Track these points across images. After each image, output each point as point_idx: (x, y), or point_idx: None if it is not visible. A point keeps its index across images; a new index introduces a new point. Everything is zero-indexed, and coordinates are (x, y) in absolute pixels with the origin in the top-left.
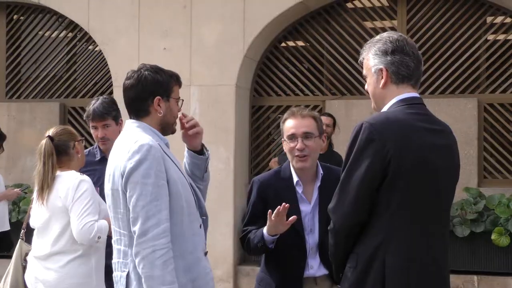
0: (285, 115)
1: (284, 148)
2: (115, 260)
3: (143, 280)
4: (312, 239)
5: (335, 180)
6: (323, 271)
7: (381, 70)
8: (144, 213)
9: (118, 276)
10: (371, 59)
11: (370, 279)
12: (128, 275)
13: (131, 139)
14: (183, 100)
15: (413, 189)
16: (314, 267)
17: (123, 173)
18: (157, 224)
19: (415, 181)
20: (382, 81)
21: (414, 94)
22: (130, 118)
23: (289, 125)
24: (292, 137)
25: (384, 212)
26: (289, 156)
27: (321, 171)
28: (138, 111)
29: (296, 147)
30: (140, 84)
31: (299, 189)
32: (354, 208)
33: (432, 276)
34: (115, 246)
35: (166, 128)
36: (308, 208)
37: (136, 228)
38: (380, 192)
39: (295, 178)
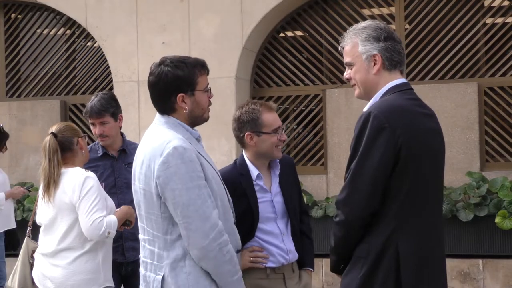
0: (257, 107)
1: (257, 141)
2: (145, 259)
3: (212, 275)
4: (282, 224)
5: (287, 166)
6: (297, 255)
7: (374, 56)
8: (199, 216)
9: (151, 277)
10: (360, 45)
11: (383, 267)
12: (163, 279)
13: (163, 138)
14: (210, 88)
15: (421, 174)
16: (292, 250)
17: (158, 177)
18: (215, 224)
19: (422, 167)
20: (376, 67)
21: (404, 80)
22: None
23: (274, 118)
24: (278, 130)
25: (395, 200)
26: (269, 148)
27: (276, 160)
28: (163, 109)
29: (282, 138)
30: (161, 81)
31: (260, 182)
32: (370, 198)
33: (439, 261)
34: (145, 245)
35: (195, 121)
36: (269, 196)
37: (192, 232)
38: (391, 180)
39: (255, 172)
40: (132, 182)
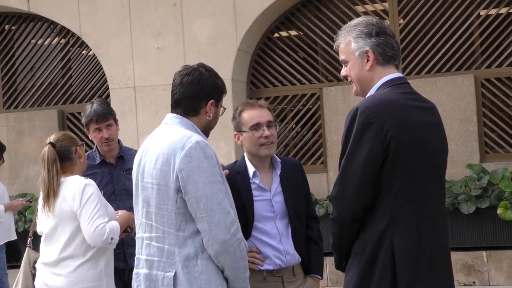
0: (240, 107)
1: (242, 139)
2: (151, 257)
3: (227, 270)
4: (281, 224)
5: (292, 167)
6: (298, 259)
7: (366, 52)
8: (221, 210)
9: (159, 275)
10: (353, 42)
11: (380, 262)
12: (175, 276)
13: (182, 134)
14: (225, 109)
15: (413, 168)
16: (290, 252)
17: (180, 170)
18: (234, 219)
19: (414, 160)
20: (369, 63)
21: (399, 74)
22: (173, 112)
23: (251, 115)
24: (257, 126)
25: (387, 194)
26: (252, 146)
27: (277, 159)
28: (189, 109)
29: (264, 135)
30: (201, 83)
31: (256, 180)
32: (360, 193)
33: (438, 254)
34: (151, 243)
35: (206, 132)
36: (268, 196)
37: (215, 226)
38: (381, 175)
39: (251, 169)
40: (139, 179)
